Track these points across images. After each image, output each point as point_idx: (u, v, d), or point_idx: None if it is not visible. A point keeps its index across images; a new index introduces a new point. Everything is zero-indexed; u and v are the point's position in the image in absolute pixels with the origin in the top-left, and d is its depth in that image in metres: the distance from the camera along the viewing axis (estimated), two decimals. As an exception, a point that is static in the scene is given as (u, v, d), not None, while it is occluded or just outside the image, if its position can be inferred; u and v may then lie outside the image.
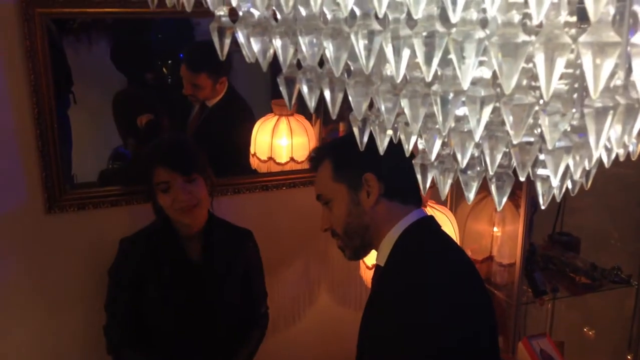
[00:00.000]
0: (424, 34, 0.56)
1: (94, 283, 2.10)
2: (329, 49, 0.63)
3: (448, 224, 2.21)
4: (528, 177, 0.72)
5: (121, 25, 2.13)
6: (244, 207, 2.34)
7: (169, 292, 1.92)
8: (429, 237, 1.47)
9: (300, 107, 2.41)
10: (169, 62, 2.25)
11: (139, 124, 2.20)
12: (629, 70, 0.52)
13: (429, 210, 2.19)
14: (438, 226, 1.50)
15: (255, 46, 0.70)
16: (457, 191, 2.48)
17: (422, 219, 1.47)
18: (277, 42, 0.67)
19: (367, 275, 2.20)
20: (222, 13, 0.72)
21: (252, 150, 2.37)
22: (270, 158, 2.35)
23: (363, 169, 1.42)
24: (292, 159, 2.37)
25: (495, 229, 2.40)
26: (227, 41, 0.73)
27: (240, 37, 0.70)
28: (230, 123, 2.40)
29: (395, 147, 1.16)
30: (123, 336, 1.97)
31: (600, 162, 0.74)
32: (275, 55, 0.71)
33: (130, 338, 1.97)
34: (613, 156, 0.68)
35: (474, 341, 1.33)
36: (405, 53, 0.59)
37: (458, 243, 2.25)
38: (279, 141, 2.34)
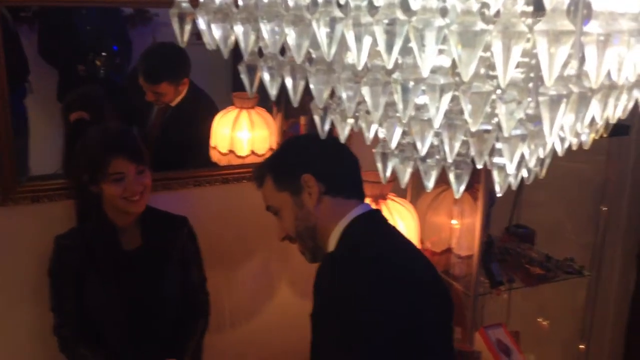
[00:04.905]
0: (385, 21, 0.57)
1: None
2: (291, 36, 0.63)
3: (408, 217, 2.24)
4: (486, 170, 0.73)
5: (46, 15, 2.04)
6: (204, 200, 2.32)
7: (109, 284, 1.92)
8: (376, 228, 1.50)
9: (262, 100, 2.42)
10: (103, 54, 2.19)
11: (70, 120, 2.15)
12: (582, 59, 0.53)
13: (389, 203, 2.21)
14: (385, 219, 1.54)
15: (217, 33, 0.69)
16: (418, 184, 2.51)
17: (369, 211, 1.50)
18: (238, 29, 0.67)
19: (328, 268, 2.20)
20: (182, -1, 0.72)
21: (212, 143, 2.35)
22: (231, 151, 2.34)
23: (300, 172, 1.45)
24: (252, 152, 2.36)
25: (454, 221, 2.43)
26: (188, 27, 0.72)
27: (201, 24, 0.70)
28: (196, 119, 2.38)
29: (332, 144, 1.18)
30: (76, 333, 1.94)
31: (555, 155, 0.76)
32: (236, 45, 0.71)
33: (83, 335, 1.95)
34: (566, 145, 0.70)
35: (415, 333, 1.35)
36: (367, 40, 0.59)
37: (418, 235, 2.28)
38: (240, 134, 2.32)
